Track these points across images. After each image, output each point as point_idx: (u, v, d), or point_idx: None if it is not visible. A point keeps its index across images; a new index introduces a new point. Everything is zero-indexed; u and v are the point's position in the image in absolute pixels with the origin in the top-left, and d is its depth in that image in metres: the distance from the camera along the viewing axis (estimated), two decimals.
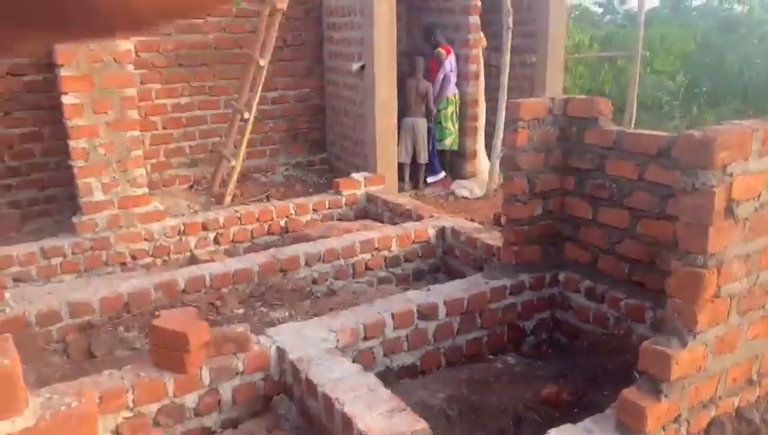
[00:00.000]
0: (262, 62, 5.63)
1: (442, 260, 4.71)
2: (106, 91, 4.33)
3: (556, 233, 3.61)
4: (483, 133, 6.83)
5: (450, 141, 6.61)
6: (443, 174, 6.72)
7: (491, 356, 3.47)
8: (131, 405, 2.56)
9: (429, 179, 6.66)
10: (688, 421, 2.33)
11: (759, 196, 2.20)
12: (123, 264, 4.61)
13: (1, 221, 5.45)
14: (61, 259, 4.41)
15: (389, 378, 3.16)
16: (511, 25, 5.95)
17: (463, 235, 4.49)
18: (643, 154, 3.06)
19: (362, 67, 6.03)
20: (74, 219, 4.51)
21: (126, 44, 4.36)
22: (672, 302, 2.21)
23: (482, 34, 6.49)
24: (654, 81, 11.70)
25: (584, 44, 12.47)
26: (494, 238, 4.24)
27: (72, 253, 4.44)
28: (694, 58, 12.93)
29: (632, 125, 6.99)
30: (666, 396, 2.20)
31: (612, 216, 3.29)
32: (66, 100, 4.26)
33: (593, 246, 3.43)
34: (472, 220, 5.14)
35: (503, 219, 3.82)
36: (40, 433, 1.14)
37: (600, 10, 25.64)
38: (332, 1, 6.50)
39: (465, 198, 6.35)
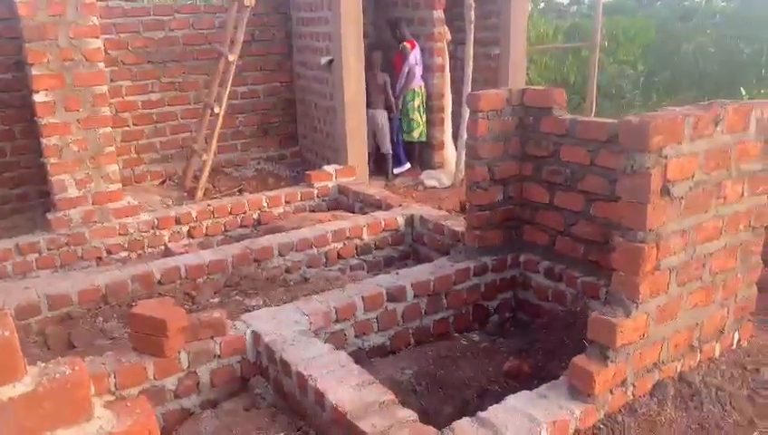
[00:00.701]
0: (231, 58, 5.72)
1: (411, 247, 4.88)
2: (77, 89, 4.40)
3: (516, 217, 3.80)
4: (450, 124, 7.01)
5: (418, 133, 6.79)
6: (408, 165, 6.90)
7: (457, 334, 3.65)
8: (113, 389, 2.68)
9: (396, 170, 6.83)
10: (634, 385, 2.53)
11: (693, 176, 2.40)
12: (99, 258, 4.70)
13: None
14: (36, 255, 4.48)
15: (361, 358, 3.31)
16: (473, 19, 6.13)
17: (431, 222, 4.67)
18: (594, 141, 3.26)
19: (330, 61, 6.16)
20: (49, 216, 4.57)
21: (96, 43, 4.43)
22: (616, 275, 2.41)
23: (446, 28, 6.66)
24: (616, 70, 12.02)
25: (549, 36, 12.73)
26: (459, 225, 4.42)
27: (48, 249, 4.51)
28: (654, 48, 13.30)
29: (593, 113, 7.24)
30: (612, 361, 2.40)
31: (567, 199, 3.49)
32: (38, 98, 4.32)
33: (551, 228, 3.63)
34: (439, 208, 5.32)
35: (467, 205, 4.00)
36: (38, 396, 1.26)
37: (566, 1, 26.05)
38: None
39: (434, 187, 6.53)
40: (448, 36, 6.76)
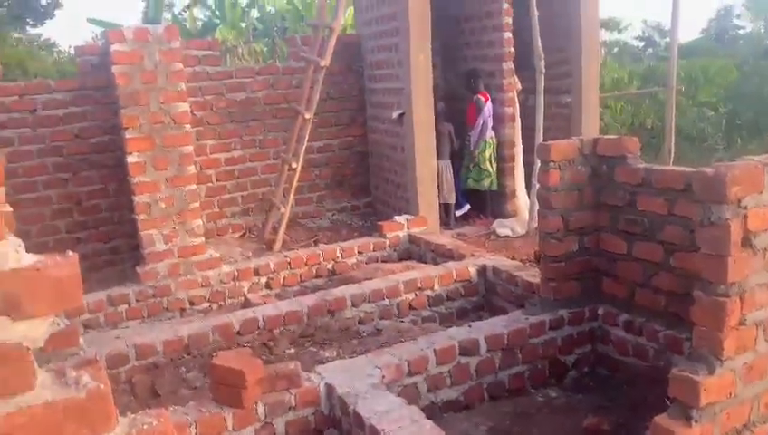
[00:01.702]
0: (307, 115, 5.97)
1: (484, 298, 4.84)
2: (166, 150, 4.72)
3: (593, 268, 3.72)
4: (521, 173, 6.98)
5: (488, 182, 6.80)
6: (468, 206, 6.94)
7: (533, 390, 3.56)
8: None
9: (457, 213, 6.87)
10: None
11: None
12: (182, 309, 4.91)
13: None
14: (126, 306, 4.74)
15: (434, 413, 3.29)
16: (543, 69, 6.15)
17: (503, 273, 4.63)
18: (671, 189, 3.18)
19: (401, 115, 6.32)
20: (138, 269, 4.85)
21: (183, 106, 4.75)
22: (698, 330, 2.32)
23: (516, 78, 6.71)
24: (697, 113, 11.66)
25: (623, 81, 12.54)
26: (533, 276, 4.36)
27: (137, 300, 4.77)
28: (736, 88, 12.83)
29: (672, 158, 7.03)
30: (696, 422, 2.28)
31: (646, 250, 3.39)
32: (131, 159, 4.66)
33: (630, 280, 3.53)
34: (513, 258, 5.27)
35: (541, 256, 3.95)
36: None
37: (641, 44, 25.65)
38: (372, 55, 6.86)
39: (507, 236, 6.47)
40: (518, 86, 6.80)
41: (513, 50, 6.55)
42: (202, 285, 4.96)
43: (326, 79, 6.35)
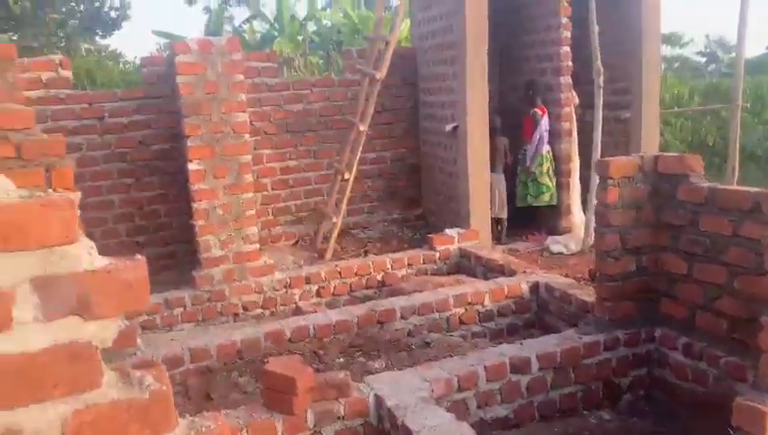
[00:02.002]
0: (362, 127, 6.03)
1: (536, 316, 4.76)
2: (225, 159, 4.84)
3: (651, 289, 3.61)
4: (577, 189, 6.86)
5: (548, 196, 6.71)
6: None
7: (585, 412, 3.48)
8: None
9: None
10: None
11: None
12: (236, 314, 5.01)
13: None
14: (182, 309, 4.86)
15: (483, 430, 3.25)
16: (602, 84, 6.04)
17: (557, 290, 4.55)
18: (737, 210, 3.07)
19: (455, 128, 6.31)
20: (194, 273, 4.97)
21: (243, 117, 4.87)
22: (765, 357, 2.22)
23: (574, 93, 6.61)
24: (762, 131, 11.21)
25: (684, 97, 12.19)
26: (588, 294, 4.27)
27: (192, 304, 4.89)
28: None
29: (736, 178, 6.78)
30: None
31: (708, 271, 3.27)
32: (191, 166, 4.80)
33: (690, 302, 3.41)
34: (566, 276, 5.17)
35: (596, 275, 3.86)
36: None
37: (703, 59, 24.91)
38: (427, 68, 6.88)
39: (560, 253, 6.35)
40: (576, 101, 6.70)
41: (571, 64, 6.47)
42: (255, 291, 5.05)
43: (381, 91, 6.40)
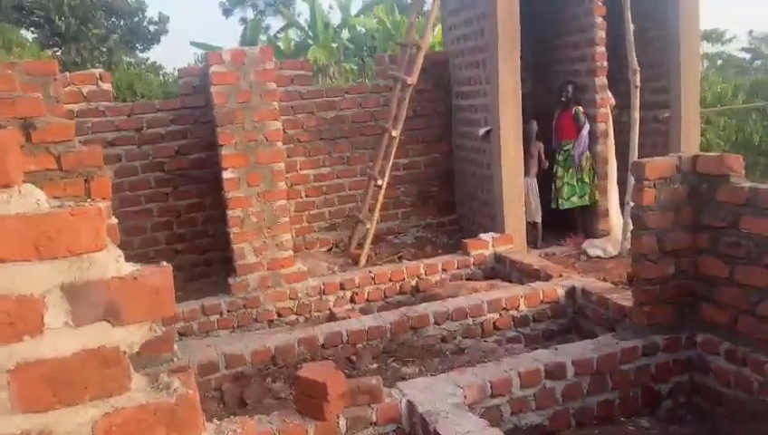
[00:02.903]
0: (394, 133, 6.04)
1: (573, 321, 4.68)
2: (259, 167, 4.90)
3: (690, 292, 3.51)
4: (615, 191, 6.73)
5: (590, 197, 6.60)
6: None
7: (623, 419, 3.39)
8: None
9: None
10: None
11: None
12: (271, 321, 5.06)
13: None
14: (218, 316, 4.93)
15: None
16: (638, 83, 5.92)
17: (594, 295, 4.46)
18: None
19: (488, 132, 6.26)
20: (230, 280, 5.04)
21: (276, 125, 4.93)
22: None
23: (609, 94, 6.49)
24: None
25: (727, 95, 11.84)
26: (626, 299, 4.17)
27: (228, 310, 4.96)
28: None
29: None
30: None
31: (751, 275, 3.17)
32: (226, 175, 4.87)
33: (732, 306, 3.30)
34: (604, 280, 5.07)
35: (634, 278, 3.78)
36: None
37: (748, 56, 24.20)
38: (459, 72, 6.85)
39: (598, 257, 6.24)
40: (612, 102, 6.58)
41: (606, 64, 6.36)
42: (290, 298, 5.09)
43: (414, 96, 6.41)
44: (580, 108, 6.44)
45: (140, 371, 1.38)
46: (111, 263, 1.28)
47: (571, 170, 6.55)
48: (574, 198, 6.59)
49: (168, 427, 1.35)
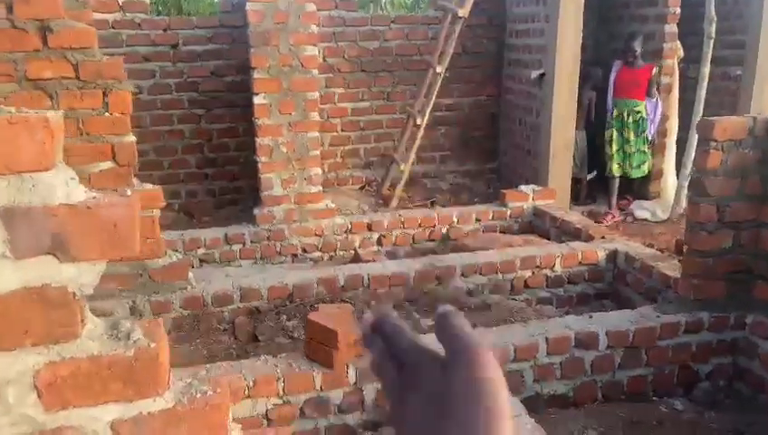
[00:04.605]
0: (438, 69, 5.66)
1: (611, 286, 4.38)
2: (291, 94, 4.63)
3: (746, 269, 3.19)
4: (673, 151, 6.25)
5: (648, 165, 5.98)
6: (594, 172, 6.22)
7: (655, 398, 3.15)
8: (281, 393, 2.69)
9: (588, 176, 6.21)
10: None
11: None
12: (294, 255, 4.90)
13: (199, 206, 6.09)
14: (241, 246, 4.79)
15: (538, 405, 3.00)
16: (713, 35, 5.37)
17: (637, 261, 4.14)
18: None
19: (542, 75, 5.83)
20: (255, 211, 4.87)
21: (312, 50, 4.62)
22: None
23: (678, 44, 5.94)
24: None
25: None
26: (672, 268, 3.86)
27: (251, 241, 4.80)
28: None
29: None
30: None
31: None
32: (257, 100, 4.62)
33: None
34: (650, 246, 4.73)
35: (684, 248, 3.45)
36: (176, 415, 1.20)
37: None
38: (516, 7, 6.36)
39: (646, 220, 5.86)
40: (680, 53, 6.03)
41: (678, 11, 5.78)
42: (315, 234, 4.91)
43: (464, 32, 5.97)
44: (658, 69, 5.73)
45: (94, 313, 1.18)
46: (60, 186, 1.05)
47: (643, 135, 5.81)
48: (645, 166, 5.90)
49: (124, 383, 1.14)
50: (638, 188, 6.24)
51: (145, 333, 1.19)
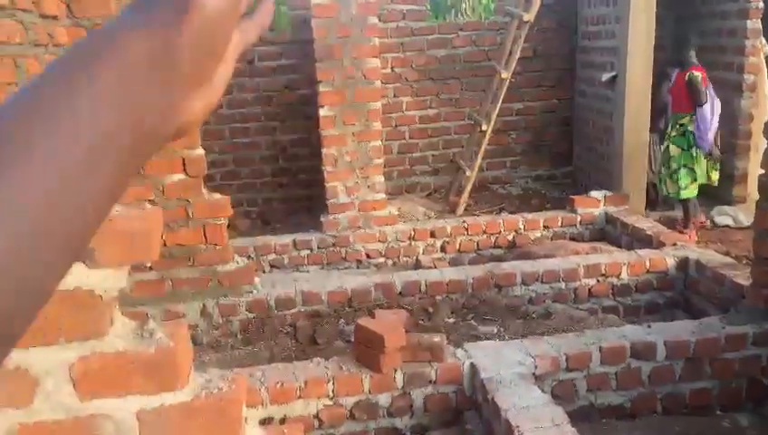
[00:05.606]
0: (504, 75, 5.64)
1: (683, 295, 4.21)
2: (355, 105, 4.76)
3: None
4: (760, 154, 5.88)
5: (717, 175, 5.30)
6: None
7: (720, 412, 3.01)
8: (331, 395, 2.80)
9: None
10: None
11: None
12: (359, 261, 5.02)
13: (273, 213, 6.36)
14: (308, 252, 4.97)
15: (591, 415, 2.96)
16: None
17: (709, 269, 3.96)
18: None
19: (613, 78, 5.67)
20: (322, 218, 5.04)
21: (374, 62, 4.74)
22: None
23: (763, 41, 5.61)
24: None
25: None
26: (746, 277, 3.66)
27: (318, 247, 4.97)
28: None
29: None
30: None
31: None
32: (322, 112, 4.79)
33: None
34: (726, 253, 4.50)
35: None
36: (194, 408, 1.32)
37: None
38: (587, 9, 6.22)
39: (727, 226, 5.56)
40: (766, 50, 5.69)
41: (762, 5, 5.47)
42: (379, 240, 5.01)
43: (535, 36, 5.93)
44: (699, 74, 5.00)
45: (126, 314, 1.32)
46: None
47: (692, 150, 5.12)
48: (693, 187, 5.17)
49: (146, 377, 1.28)
50: (719, 191, 5.92)
51: (167, 333, 1.32)
